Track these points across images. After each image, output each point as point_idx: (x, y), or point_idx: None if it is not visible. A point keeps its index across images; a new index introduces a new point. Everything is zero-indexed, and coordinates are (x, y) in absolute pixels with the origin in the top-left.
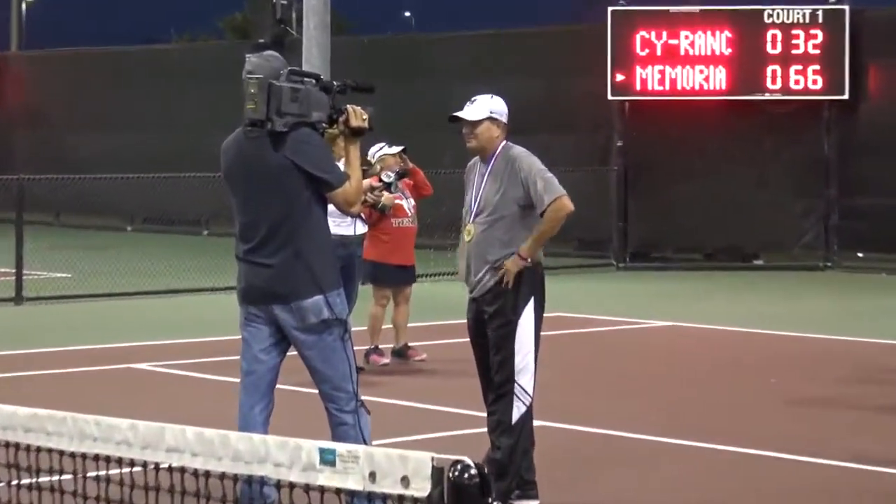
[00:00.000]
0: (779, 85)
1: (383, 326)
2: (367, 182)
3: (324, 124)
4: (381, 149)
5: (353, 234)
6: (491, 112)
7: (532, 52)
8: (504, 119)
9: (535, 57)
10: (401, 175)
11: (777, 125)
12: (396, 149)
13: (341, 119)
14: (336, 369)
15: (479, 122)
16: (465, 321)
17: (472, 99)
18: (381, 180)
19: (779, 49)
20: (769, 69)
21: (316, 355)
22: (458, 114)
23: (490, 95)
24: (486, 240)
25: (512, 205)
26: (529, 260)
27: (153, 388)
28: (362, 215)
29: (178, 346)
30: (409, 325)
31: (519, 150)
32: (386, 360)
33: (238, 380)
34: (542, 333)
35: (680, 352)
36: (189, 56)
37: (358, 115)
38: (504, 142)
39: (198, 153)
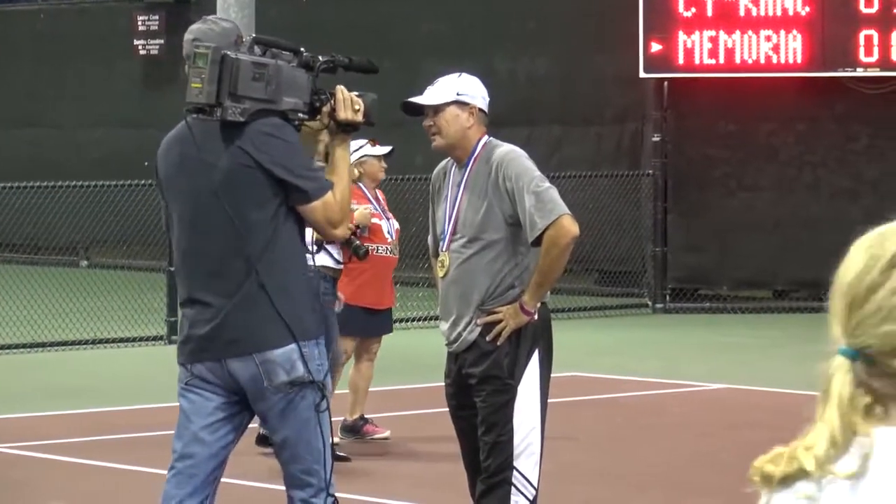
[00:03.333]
0: (876, 57)
1: (336, 391)
2: None
3: (301, 114)
4: (360, 148)
5: (338, 266)
6: (458, 94)
7: (536, 17)
8: (479, 104)
9: (539, 23)
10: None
11: (874, 113)
12: (382, 150)
13: (325, 108)
14: (310, 446)
15: (442, 108)
16: (444, 385)
17: (434, 81)
18: None
19: (876, 7)
20: (862, 35)
21: (286, 425)
22: (414, 99)
23: (458, 74)
24: (467, 274)
25: (501, 225)
26: (536, 315)
27: (18, 480)
28: (331, 250)
29: (55, 419)
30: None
31: (505, 150)
32: (335, 439)
33: (161, 471)
34: (549, 400)
35: (741, 426)
36: (56, 20)
37: (349, 104)
38: (486, 137)
39: (72, 155)
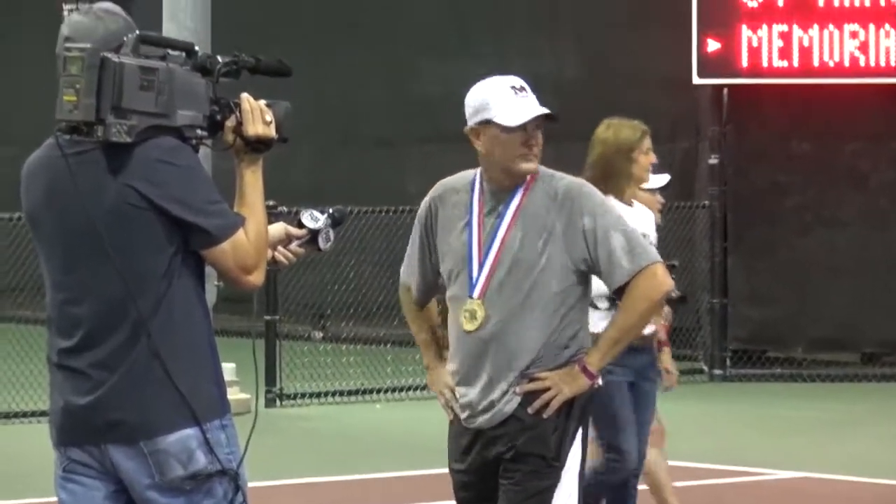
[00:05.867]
0: None
1: None
2: (277, 229)
3: (199, 130)
4: (665, 184)
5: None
6: None
7: (560, 5)
8: None
9: (565, 14)
10: (337, 220)
11: None
12: (659, 181)
13: (229, 122)
14: None
15: (541, 124)
16: (448, 470)
17: (517, 84)
18: (301, 225)
19: None
20: None
21: None
22: (547, 109)
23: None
24: (515, 330)
25: (566, 272)
26: (600, 379)
27: None
28: None
29: None
30: (350, 477)
31: (574, 181)
32: None
33: None
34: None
35: None
36: None
37: (258, 116)
38: None
39: None
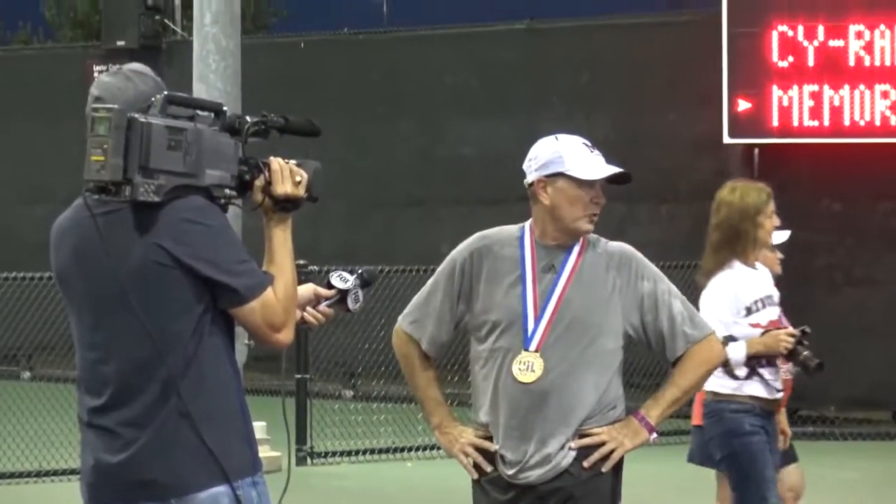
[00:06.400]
0: None
1: None
2: (306, 289)
3: (227, 190)
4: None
5: (774, 395)
6: None
7: (591, 67)
8: None
9: (596, 75)
10: (366, 280)
11: None
12: (782, 236)
13: (258, 182)
14: None
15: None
16: None
17: (588, 143)
18: (331, 286)
19: None
20: None
21: None
22: (621, 168)
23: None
24: (571, 385)
25: (618, 333)
26: (655, 434)
27: None
28: (767, 375)
29: None
30: None
31: (623, 244)
32: None
33: None
34: None
35: None
36: None
37: (287, 176)
38: None
39: (11, 240)
